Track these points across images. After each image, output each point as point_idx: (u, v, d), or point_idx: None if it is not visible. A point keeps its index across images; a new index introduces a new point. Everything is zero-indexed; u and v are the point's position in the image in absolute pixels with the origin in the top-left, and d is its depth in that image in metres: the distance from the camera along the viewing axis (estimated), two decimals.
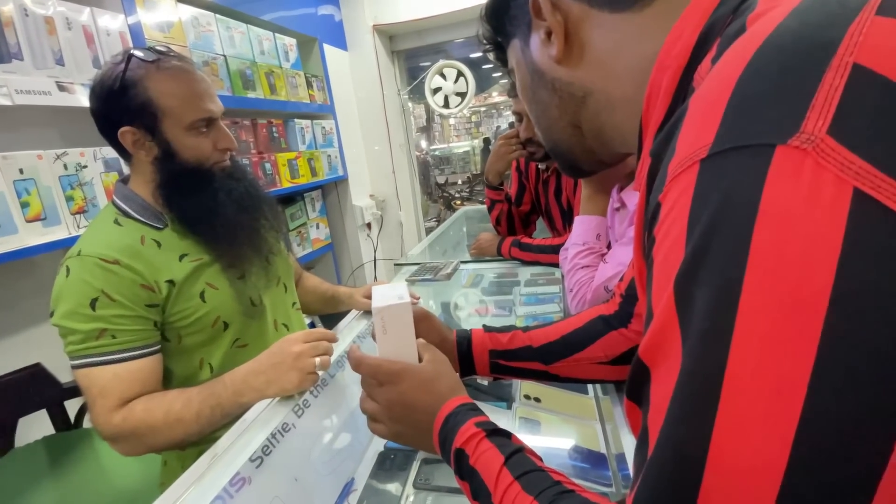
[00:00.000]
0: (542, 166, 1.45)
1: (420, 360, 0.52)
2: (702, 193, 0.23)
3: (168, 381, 0.83)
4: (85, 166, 1.13)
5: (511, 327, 0.68)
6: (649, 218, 0.28)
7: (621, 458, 0.64)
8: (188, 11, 1.51)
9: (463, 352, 0.66)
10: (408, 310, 0.52)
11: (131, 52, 0.77)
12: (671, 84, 0.32)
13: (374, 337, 0.54)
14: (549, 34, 0.39)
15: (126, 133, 0.77)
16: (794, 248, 0.20)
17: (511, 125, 1.52)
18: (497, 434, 0.42)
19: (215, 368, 0.84)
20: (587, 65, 0.38)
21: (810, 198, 0.20)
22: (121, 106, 0.76)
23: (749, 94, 0.23)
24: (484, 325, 0.69)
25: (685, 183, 0.24)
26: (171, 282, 0.78)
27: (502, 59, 0.49)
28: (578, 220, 0.99)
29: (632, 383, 0.28)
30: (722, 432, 0.21)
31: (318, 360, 0.71)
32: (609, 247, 0.99)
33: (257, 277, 0.89)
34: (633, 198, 0.94)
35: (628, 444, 0.60)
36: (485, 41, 0.49)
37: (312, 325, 1.79)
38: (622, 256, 0.87)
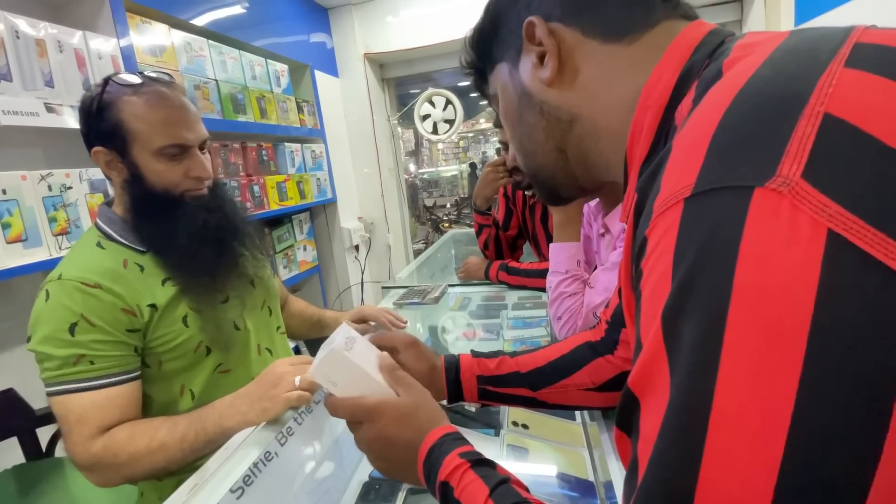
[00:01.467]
0: (528, 192, 1.48)
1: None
2: (686, 230, 0.24)
3: (147, 407, 0.80)
4: (70, 187, 1.12)
5: (498, 353, 0.68)
6: (636, 251, 0.29)
7: (609, 485, 0.64)
8: (181, 36, 1.53)
9: (451, 378, 0.65)
10: (340, 356, 0.50)
11: (111, 76, 0.78)
12: (653, 123, 0.34)
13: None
14: (541, 58, 0.40)
15: (98, 153, 0.78)
16: (775, 285, 0.21)
17: (498, 151, 1.55)
18: (482, 464, 0.42)
19: (196, 395, 0.82)
20: (577, 90, 0.40)
21: (788, 238, 0.21)
22: (96, 127, 0.76)
23: (728, 138, 0.24)
24: (472, 351, 0.69)
25: (670, 220, 0.25)
26: (153, 306, 0.77)
27: (481, 87, 0.50)
28: (555, 248, 1.00)
29: (621, 413, 0.28)
30: (710, 464, 0.22)
31: (297, 378, 0.69)
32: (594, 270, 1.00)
33: (241, 302, 0.88)
34: (616, 223, 0.96)
35: (615, 471, 0.60)
36: (467, 67, 0.50)
37: (297, 350, 1.76)
38: (607, 282, 0.88)
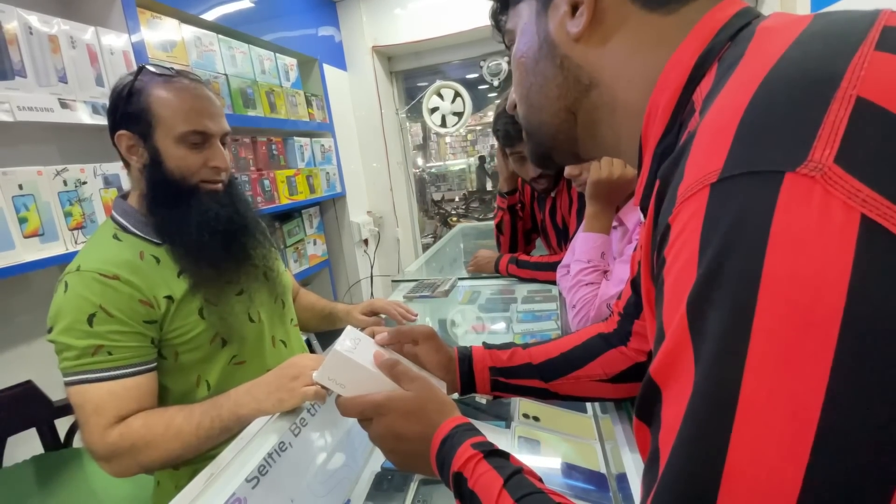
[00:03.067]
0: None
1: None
2: (713, 217, 0.23)
3: (164, 398, 0.81)
4: (84, 182, 1.13)
5: (510, 344, 0.68)
6: (658, 239, 0.28)
7: (622, 478, 0.64)
8: (191, 31, 1.54)
9: (464, 370, 0.65)
10: (343, 357, 0.51)
11: (145, 65, 0.80)
12: (669, 103, 0.33)
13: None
14: (574, 7, 0.38)
15: (122, 136, 0.79)
16: (806, 272, 0.20)
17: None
18: (495, 455, 0.42)
19: (212, 386, 0.83)
20: (604, 54, 0.38)
21: (820, 224, 0.20)
22: (123, 111, 0.78)
23: (757, 122, 0.24)
24: (484, 343, 0.69)
25: (695, 206, 0.24)
26: (169, 298, 0.78)
27: (497, 18, 0.47)
28: (583, 237, 0.99)
29: (642, 402, 0.28)
30: (736, 454, 0.21)
31: (315, 373, 0.69)
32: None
33: (255, 294, 0.89)
34: (630, 216, 0.95)
35: (629, 463, 0.60)
36: None
37: (308, 342, 1.78)
38: (622, 274, 0.88)
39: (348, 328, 0.56)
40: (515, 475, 0.39)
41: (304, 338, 1.13)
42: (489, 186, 4.51)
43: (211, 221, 0.81)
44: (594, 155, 0.45)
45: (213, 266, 0.82)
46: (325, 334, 1.30)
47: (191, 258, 0.81)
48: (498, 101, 1.44)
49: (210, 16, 1.67)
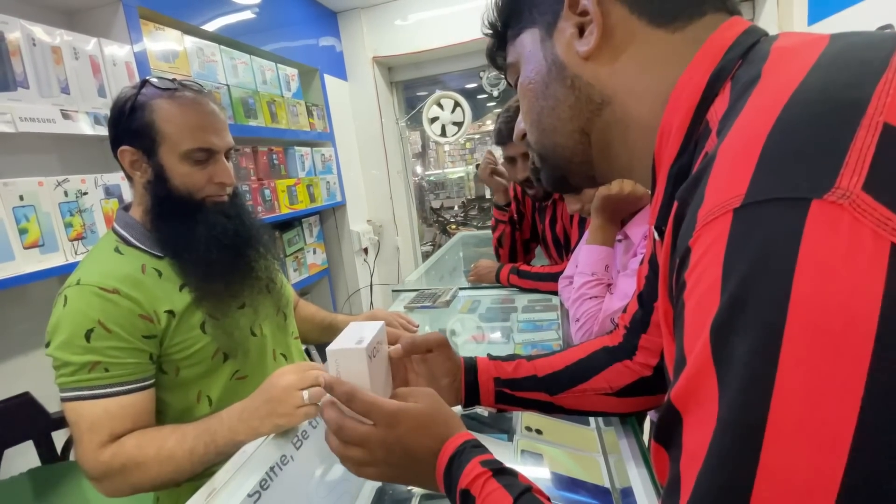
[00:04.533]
0: (529, 192, 1.47)
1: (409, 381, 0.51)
2: (736, 242, 0.23)
3: (164, 414, 0.80)
4: (85, 193, 1.13)
5: (515, 356, 0.68)
6: (678, 262, 0.28)
7: (626, 492, 0.63)
8: (193, 42, 1.55)
9: (469, 380, 0.65)
10: (362, 357, 0.49)
11: (148, 78, 0.80)
12: (682, 124, 0.33)
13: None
14: (580, 30, 0.38)
15: (125, 152, 0.78)
16: (836, 299, 0.20)
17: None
18: (504, 473, 0.41)
19: (214, 401, 0.82)
20: (614, 71, 0.38)
21: (850, 252, 0.20)
22: (126, 126, 0.77)
23: (781, 147, 0.24)
24: (489, 354, 0.68)
25: (717, 231, 0.24)
26: (170, 312, 0.77)
27: (494, 54, 0.47)
28: (587, 249, 1.00)
29: (661, 427, 0.28)
30: (763, 484, 0.21)
31: (305, 393, 0.67)
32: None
33: (257, 308, 0.88)
34: (636, 230, 0.96)
35: (635, 477, 0.59)
36: (488, 28, 0.47)
37: (308, 353, 1.77)
38: (626, 288, 0.88)
39: (382, 325, 0.54)
40: (525, 494, 0.39)
41: (303, 348, 1.12)
42: (488, 194, 4.54)
43: (219, 236, 0.81)
44: (609, 177, 0.45)
45: (221, 281, 0.81)
46: (324, 346, 1.29)
47: (198, 273, 0.80)
48: (498, 111, 1.45)
49: (212, 27, 1.68)
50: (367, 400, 0.47)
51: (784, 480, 0.21)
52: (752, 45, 0.32)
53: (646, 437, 0.86)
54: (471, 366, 0.66)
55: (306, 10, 2.35)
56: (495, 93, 2.71)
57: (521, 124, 0.47)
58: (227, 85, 1.66)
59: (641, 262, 0.62)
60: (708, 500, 0.23)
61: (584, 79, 0.39)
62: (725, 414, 0.23)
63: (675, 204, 0.31)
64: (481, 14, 0.47)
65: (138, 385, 0.74)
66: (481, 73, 2.70)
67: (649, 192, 0.40)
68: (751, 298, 0.22)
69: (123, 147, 0.78)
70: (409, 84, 3.04)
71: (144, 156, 0.78)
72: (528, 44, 0.42)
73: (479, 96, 4.07)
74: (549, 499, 0.39)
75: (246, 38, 1.85)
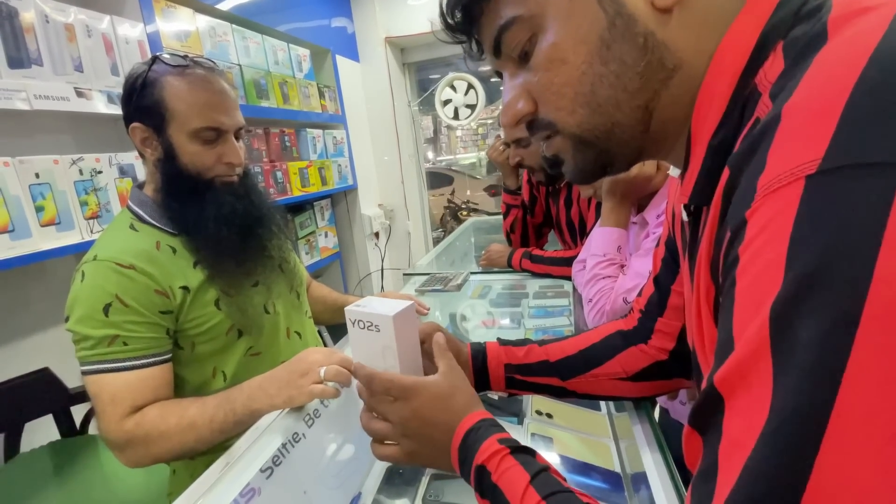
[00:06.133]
0: (524, 169, 1.45)
1: (425, 370, 0.51)
2: (808, 213, 0.21)
3: (181, 389, 0.82)
4: (100, 172, 1.14)
5: (526, 341, 0.67)
6: (728, 236, 0.26)
7: (638, 477, 0.63)
8: (205, 21, 1.53)
9: (478, 366, 0.64)
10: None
11: (159, 55, 0.79)
12: (727, 90, 0.30)
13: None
14: None
15: (136, 129, 0.78)
16: None
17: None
18: (521, 451, 0.41)
19: (229, 377, 0.83)
20: (688, 27, 0.31)
21: None
22: (137, 102, 0.77)
23: (868, 107, 0.21)
24: (498, 339, 0.68)
25: (784, 200, 0.22)
26: (185, 288, 0.78)
27: (472, 6, 0.36)
28: (599, 231, 0.98)
29: (699, 411, 0.26)
30: (822, 476, 0.20)
31: (322, 369, 0.68)
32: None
33: (270, 286, 0.89)
34: (651, 212, 0.94)
35: (649, 463, 0.58)
36: None
37: (320, 334, 1.78)
38: (640, 267, 0.86)
39: (412, 304, 0.53)
40: (542, 472, 0.38)
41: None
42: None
43: (228, 215, 0.81)
44: (653, 159, 0.39)
45: (232, 259, 0.82)
46: (336, 328, 1.30)
47: (209, 251, 0.80)
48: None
49: (224, 5, 1.66)
50: (385, 378, 0.48)
51: (845, 476, 0.19)
52: (802, 3, 0.29)
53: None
54: (479, 351, 0.65)
55: None
56: None
57: (518, 105, 0.37)
58: (240, 65, 1.65)
59: (657, 244, 0.60)
60: (757, 490, 0.21)
61: (658, 37, 0.32)
62: (782, 401, 0.21)
63: (726, 173, 0.28)
64: None
65: (156, 359, 0.75)
66: None
67: (669, 168, 0.36)
68: (823, 278, 0.20)
69: (134, 124, 0.78)
70: (422, 66, 2.99)
71: (154, 133, 0.78)
72: None
73: (493, 80, 4.01)
74: (565, 481, 0.39)
75: (258, 17, 1.83)
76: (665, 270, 0.57)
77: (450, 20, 0.39)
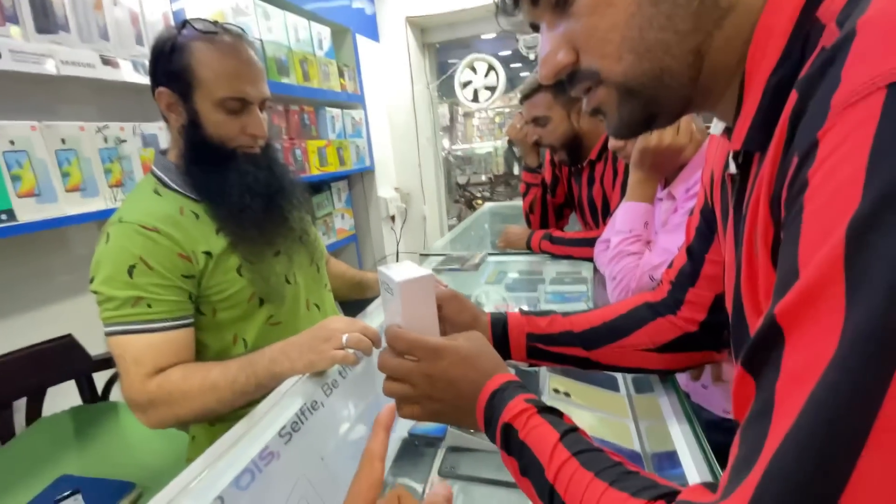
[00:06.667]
0: (545, 148, 1.42)
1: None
2: (892, 124, 0.20)
3: (202, 354, 0.82)
4: (124, 141, 1.15)
5: (549, 312, 0.66)
6: (794, 162, 0.24)
7: (662, 456, 0.61)
8: None
9: (498, 335, 0.63)
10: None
11: (188, 20, 0.79)
12: (787, 25, 0.29)
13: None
14: None
15: (162, 93, 0.78)
16: None
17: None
18: (549, 411, 0.40)
19: (249, 344, 0.84)
20: None
21: None
22: (164, 67, 0.77)
23: None
24: (520, 309, 0.67)
25: (862, 114, 0.21)
26: (208, 253, 0.78)
27: None
28: (625, 207, 0.95)
29: (754, 350, 0.24)
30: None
31: (345, 336, 0.68)
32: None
33: (292, 256, 0.89)
34: (681, 187, 0.91)
35: (678, 437, 0.57)
36: None
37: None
38: (667, 244, 0.83)
39: (431, 274, 0.52)
40: (572, 432, 0.37)
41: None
42: (516, 170, 4.43)
43: (251, 184, 0.81)
44: (701, 111, 0.38)
45: (254, 227, 0.82)
46: (351, 304, 1.30)
47: (232, 219, 0.81)
48: (521, 86, 1.40)
49: None
50: (410, 338, 0.47)
51: None
52: None
53: None
54: (500, 320, 0.64)
55: None
56: (532, 56, 2.60)
57: (559, 55, 0.36)
58: (262, 40, 1.65)
59: (692, 213, 0.58)
60: (821, 420, 0.20)
61: None
62: (856, 326, 0.19)
63: (793, 97, 0.26)
64: None
65: (179, 322, 0.75)
66: (518, 36, 2.60)
67: (703, 138, 0.35)
68: None
69: (161, 88, 0.78)
70: (442, 48, 2.96)
71: (181, 99, 0.78)
72: None
73: (513, 65, 3.93)
74: (593, 440, 0.38)
75: None
76: (699, 239, 0.55)
77: None
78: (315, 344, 0.68)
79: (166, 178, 0.82)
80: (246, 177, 0.81)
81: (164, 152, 0.86)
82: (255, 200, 0.81)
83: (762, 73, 0.30)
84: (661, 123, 0.37)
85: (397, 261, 2.84)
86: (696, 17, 0.31)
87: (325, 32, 2.07)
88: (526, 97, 1.30)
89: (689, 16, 0.31)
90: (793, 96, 0.26)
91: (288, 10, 1.82)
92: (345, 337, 0.67)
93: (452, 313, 0.61)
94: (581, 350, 0.61)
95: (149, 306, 0.73)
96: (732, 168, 0.37)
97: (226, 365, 0.73)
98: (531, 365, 0.66)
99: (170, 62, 0.76)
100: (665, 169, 0.93)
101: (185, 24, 0.78)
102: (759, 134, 0.31)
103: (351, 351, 0.67)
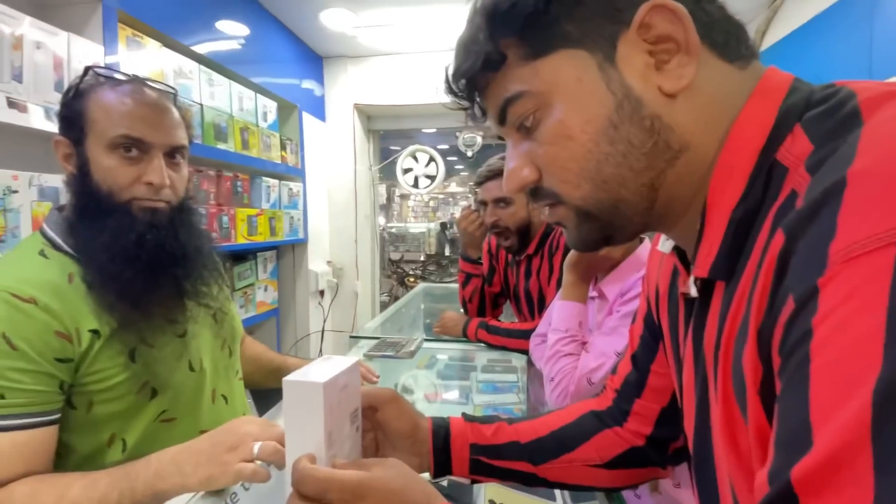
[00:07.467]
0: (505, 245, 1.45)
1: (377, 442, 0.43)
2: None
3: (64, 458, 0.66)
4: (16, 191, 1.00)
5: (494, 418, 0.60)
6: (790, 307, 0.24)
7: None
8: (172, 57, 1.48)
9: (439, 445, 0.56)
10: (318, 393, 0.40)
11: (93, 66, 0.72)
12: (747, 165, 0.31)
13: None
14: (661, 59, 0.33)
15: (59, 143, 0.70)
16: None
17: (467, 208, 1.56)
18: None
19: (129, 447, 0.68)
20: (695, 110, 0.33)
21: None
22: (62, 114, 0.70)
23: None
24: (463, 414, 0.61)
25: (872, 268, 0.21)
26: (95, 332, 0.65)
27: (476, 80, 0.37)
28: (560, 305, 0.97)
29: None
30: None
31: (257, 445, 0.56)
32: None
33: (201, 338, 0.77)
34: (611, 287, 0.94)
35: None
36: (472, 45, 0.36)
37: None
38: (604, 347, 0.85)
39: (356, 363, 0.45)
40: None
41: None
42: (447, 251, 4.59)
43: (130, 247, 0.67)
44: (656, 232, 0.40)
45: (130, 302, 0.67)
46: (265, 392, 1.15)
47: (104, 290, 0.66)
48: (465, 174, 1.47)
49: (195, 45, 1.63)
50: (320, 476, 0.37)
51: None
52: (811, 91, 0.31)
53: None
54: (442, 427, 0.57)
55: (293, 50, 2.37)
56: (470, 153, 2.78)
57: (524, 172, 0.38)
58: (201, 105, 1.60)
59: (634, 320, 0.58)
60: None
61: (665, 120, 0.33)
62: (888, 502, 0.18)
63: (780, 238, 0.26)
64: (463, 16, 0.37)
65: (40, 419, 0.60)
66: (458, 134, 2.78)
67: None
68: None
69: (57, 137, 0.69)
70: (385, 135, 3.08)
71: (73, 147, 0.69)
72: (570, 69, 0.34)
73: (449, 158, 4.22)
74: None
75: (230, 64, 1.81)
76: (644, 349, 0.55)
77: (454, 87, 0.40)
78: (217, 453, 0.56)
79: (56, 238, 0.69)
80: (127, 236, 0.67)
81: (60, 208, 0.74)
82: (133, 267, 0.67)
83: (725, 206, 0.32)
84: (617, 242, 0.39)
85: (322, 339, 2.64)
86: (649, 156, 0.34)
87: (271, 106, 2.07)
88: (488, 179, 1.33)
89: (643, 155, 0.34)
90: (779, 235, 0.27)
91: (234, 80, 1.81)
92: (257, 446, 0.55)
93: (390, 418, 0.53)
94: (528, 465, 0.56)
95: (2, 397, 0.57)
96: (693, 291, 0.38)
97: (93, 479, 0.57)
98: (473, 482, 0.59)
99: (69, 109, 0.69)
100: (596, 272, 0.98)
101: (87, 70, 0.71)
102: (725, 263, 0.32)
103: (262, 464, 0.56)
